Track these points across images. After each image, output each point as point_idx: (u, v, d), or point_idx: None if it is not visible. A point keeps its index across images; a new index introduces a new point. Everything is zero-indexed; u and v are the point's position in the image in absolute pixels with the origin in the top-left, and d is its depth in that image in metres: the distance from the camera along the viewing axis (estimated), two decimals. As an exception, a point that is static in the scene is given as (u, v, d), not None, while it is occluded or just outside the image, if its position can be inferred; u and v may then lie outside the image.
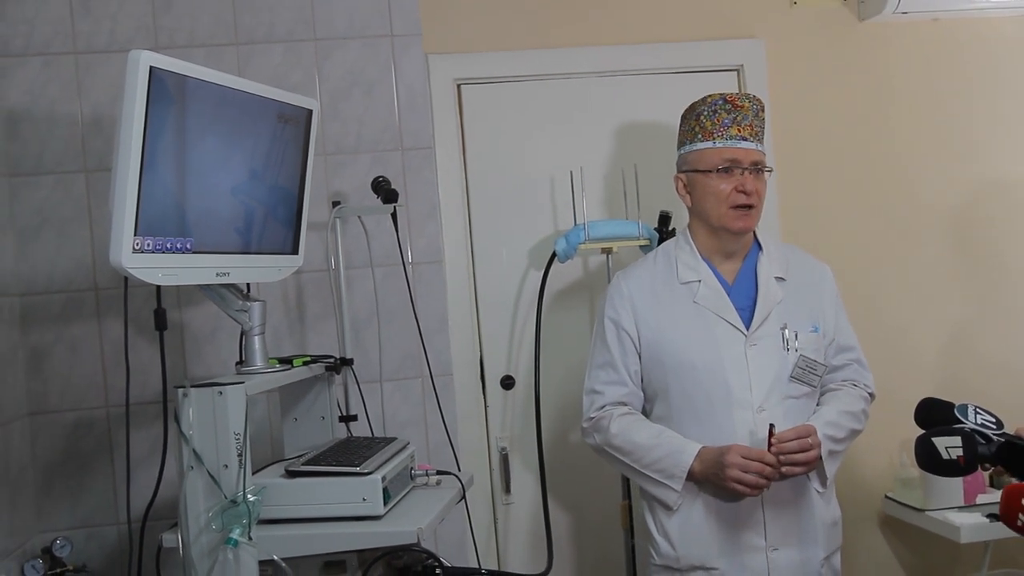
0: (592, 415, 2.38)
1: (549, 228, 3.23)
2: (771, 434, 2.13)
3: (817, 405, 2.35)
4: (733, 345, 2.28)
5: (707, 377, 2.27)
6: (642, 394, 2.39)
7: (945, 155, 3.36)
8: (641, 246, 2.93)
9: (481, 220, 3.22)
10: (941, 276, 3.36)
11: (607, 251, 2.96)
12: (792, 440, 2.13)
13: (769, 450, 2.12)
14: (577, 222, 2.97)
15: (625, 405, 2.37)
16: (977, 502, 2.99)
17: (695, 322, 2.31)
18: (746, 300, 2.34)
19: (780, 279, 2.36)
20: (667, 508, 2.29)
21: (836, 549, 2.37)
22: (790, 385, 2.29)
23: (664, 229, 2.95)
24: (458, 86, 3.20)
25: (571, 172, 3.05)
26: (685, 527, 2.28)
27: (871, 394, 2.43)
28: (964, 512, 2.97)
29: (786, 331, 2.30)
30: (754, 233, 2.42)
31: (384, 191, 2.79)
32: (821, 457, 2.20)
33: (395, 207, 2.77)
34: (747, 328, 2.29)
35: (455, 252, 3.16)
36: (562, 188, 3.16)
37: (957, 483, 2.99)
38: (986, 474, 3.08)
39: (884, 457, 3.29)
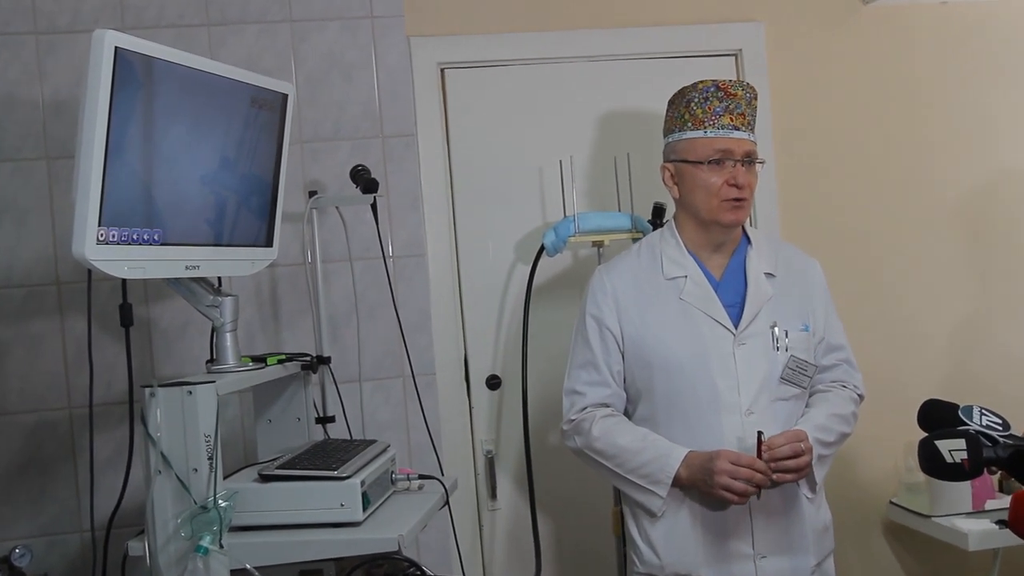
0: (573, 417, 2.38)
1: (537, 220, 3.24)
2: (760, 441, 2.14)
3: (805, 407, 2.36)
4: (721, 344, 2.28)
5: (693, 378, 2.27)
6: (625, 395, 2.40)
7: (955, 143, 3.38)
8: (634, 239, 2.93)
9: (466, 211, 3.22)
10: (951, 270, 3.38)
11: (598, 244, 2.97)
12: (784, 446, 2.14)
13: (759, 456, 2.13)
14: (567, 214, 2.97)
15: (607, 407, 2.38)
16: (986, 508, 3.02)
17: (681, 320, 2.31)
18: (735, 297, 2.34)
19: (770, 275, 2.37)
20: (651, 514, 2.29)
21: (828, 554, 2.38)
22: (779, 387, 2.29)
23: (658, 221, 2.95)
24: (442, 70, 3.20)
25: (560, 161, 3.06)
26: (670, 534, 2.28)
27: (860, 395, 2.44)
28: (972, 518, 2.99)
29: (776, 330, 2.31)
30: (742, 227, 2.43)
31: (364, 180, 2.79)
32: (812, 463, 2.21)
33: (375, 197, 2.76)
34: (735, 327, 2.30)
35: (438, 245, 3.16)
36: (551, 178, 3.17)
37: (965, 488, 3.01)
38: (995, 479, 3.10)
39: (888, 461, 3.31)
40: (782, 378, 2.29)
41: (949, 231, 3.38)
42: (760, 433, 2.15)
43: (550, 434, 3.19)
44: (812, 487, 2.29)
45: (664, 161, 2.42)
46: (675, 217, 2.45)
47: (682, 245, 2.38)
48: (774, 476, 2.13)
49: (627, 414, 2.41)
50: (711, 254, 2.38)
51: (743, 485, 2.12)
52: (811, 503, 2.30)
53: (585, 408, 2.37)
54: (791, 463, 2.14)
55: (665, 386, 2.30)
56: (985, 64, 3.39)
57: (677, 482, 2.23)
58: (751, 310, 2.31)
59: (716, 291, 2.33)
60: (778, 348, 2.30)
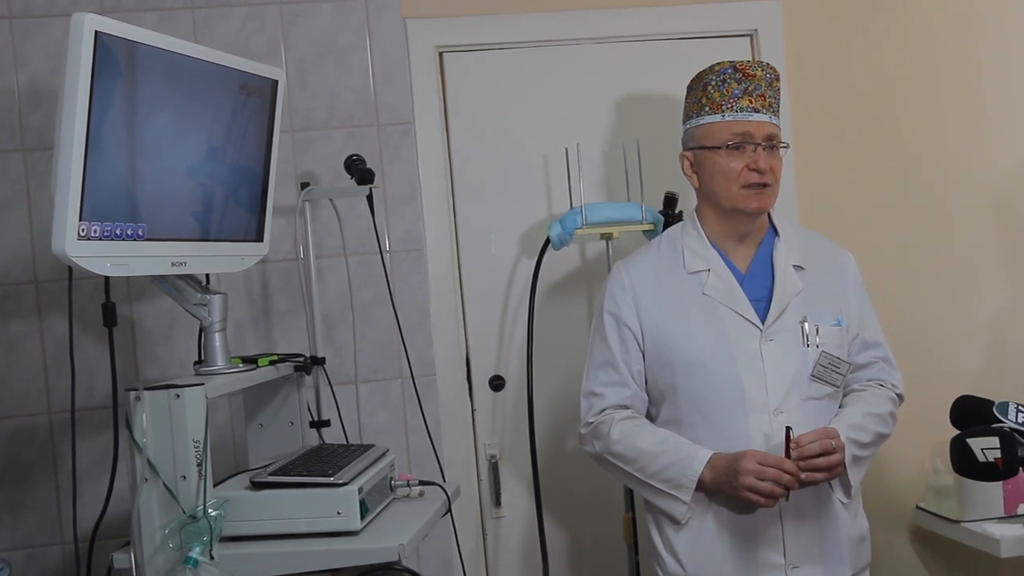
0: (591, 420, 2.38)
1: (542, 212, 3.24)
2: (788, 438, 2.14)
3: (839, 407, 2.36)
4: (747, 341, 2.28)
5: (718, 377, 2.27)
6: (646, 396, 2.40)
7: (985, 129, 3.37)
8: (645, 231, 2.94)
9: (466, 203, 3.23)
10: (980, 263, 3.37)
11: (607, 237, 2.96)
12: (813, 443, 2.14)
13: (788, 455, 2.13)
14: (574, 205, 2.96)
15: (627, 408, 2.38)
16: (1019, 512, 3.01)
17: (704, 316, 2.31)
18: (761, 291, 2.34)
19: (799, 267, 2.36)
20: (675, 522, 2.29)
21: (864, 567, 2.37)
22: (810, 385, 2.29)
23: (670, 212, 2.95)
24: (440, 54, 3.20)
25: (567, 149, 3.05)
26: (695, 543, 2.28)
27: (899, 395, 2.43)
28: (1004, 523, 2.98)
29: (806, 325, 2.30)
30: (769, 217, 2.42)
31: (358, 171, 2.79)
32: (845, 464, 2.21)
33: (371, 189, 2.77)
34: (762, 322, 2.29)
35: (438, 239, 3.17)
36: (557, 167, 3.16)
37: (996, 491, 3.00)
38: (1029, 481, 3.10)
39: (915, 464, 3.31)
40: (813, 375, 2.29)
41: (980, 219, 3.37)
42: (788, 429, 2.14)
43: (557, 437, 3.20)
44: (847, 491, 2.29)
45: (683, 149, 2.42)
46: (697, 208, 2.45)
47: (704, 237, 2.38)
48: (803, 476, 2.13)
49: (650, 417, 2.41)
50: (736, 245, 2.38)
51: (770, 486, 2.11)
52: (846, 509, 2.30)
53: (604, 410, 2.37)
54: (821, 462, 2.13)
55: (688, 386, 2.29)
56: (1018, 46, 3.37)
57: (701, 486, 2.22)
58: (779, 304, 2.30)
59: (742, 285, 2.33)
60: (808, 344, 2.29)
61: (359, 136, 3.10)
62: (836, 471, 2.18)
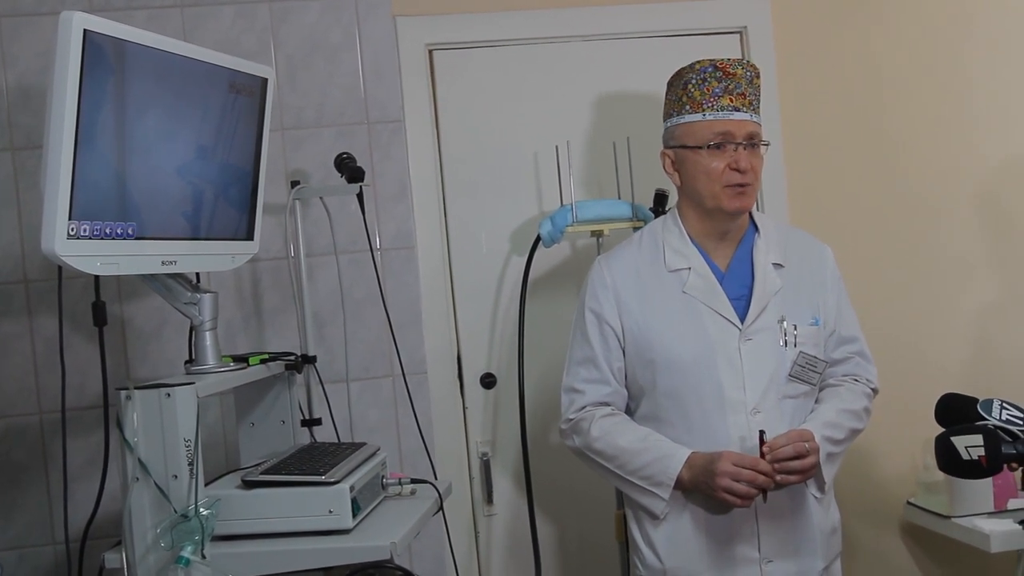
0: (571, 416, 2.40)
1: (533, 209, 3.24)
2: (762, 441, 2.15)
3: (815, 402, 2.37)
4: (726, 340, 2.29)
5: (697, 375, 2.28)
6: (626, 392, 2.41)
7: (974, 127, 3.38)
8: (634, 228, 2.93)
9: (457, 201, 3.22)
10: (968, 260, 3.39)
11: (597, 234, 2.96)
12: (786, 447, 2.15)
13: (762, 457, 2.14)
14: (564, 202, 2.97)
15: (608, 405, 2.39)
16: (1008, 507, 3.02)
17: (684, 314, 2.32)
18: (741, 289, 2.34)
19: (778, 265, 2.37)
20: (653, 517, 2.31)
21: (836, 557, 2.40)
22: (788, 384, 2.30)
23: (660, 209, 2.95)
24: (430, 52, 3.20)
25: (556, 147, 3.05)
26: (673, 537, 2.30)
27: (874, 389, 2.45)
28: (994, 518, 3.00)
29: (785, 324, 2.31)
30: (749, 213, 2.43)
31: (349, 169, 2.79)
32: (820, 462, 2.22)
33: (361, 187, 2.76)
34: (742, 321, 2.30)
35: (428, 237, 3.16)
36: (547, 164, 3.16)
37: (986, 487, 3.02)
38: (1017, 476, 3.10)
39: (906, 459, 3.32)
40: (790, 375, 2.30)
41: (968, 217, 3.39)
42: (762, 432, 2.16)
43: (548, 435, 3.20)
44: (821, 487, 2.30)
45: (664, 147, 2.42)
46: (678, 205, 2.45)
47: (685, 235, 2.38)
48: (778, 478, 2.14)
49: (629, 411, 2.42)
50: (716, 244, 2.38)
51: (745, 488, 2.13)
52: (819, 503, 2.32)
53: (584, 407, 2.38)
54: (796, 464, 2.15)
55: (667, 384, 2.30)
56: (1006, 41, 3.39)
57: (679, 484, 2.24)
58: (758, 304, 2.31)
59: (722, 283, 2.33)
60: (786, 343, 2.30)
61: (349, 134, 3.10)
62: (810, 473, 2.20)
